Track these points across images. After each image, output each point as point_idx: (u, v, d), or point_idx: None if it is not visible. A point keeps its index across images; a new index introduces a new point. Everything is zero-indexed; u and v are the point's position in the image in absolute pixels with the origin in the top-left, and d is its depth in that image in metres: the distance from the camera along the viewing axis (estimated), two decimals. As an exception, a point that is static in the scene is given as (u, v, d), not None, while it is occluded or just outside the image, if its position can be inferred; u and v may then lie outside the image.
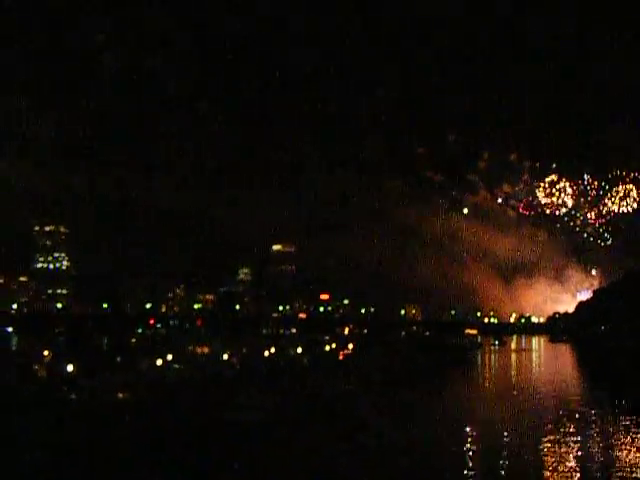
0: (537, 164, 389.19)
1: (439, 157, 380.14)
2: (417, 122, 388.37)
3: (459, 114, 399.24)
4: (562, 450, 62.06)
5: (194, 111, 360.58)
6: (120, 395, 76.46)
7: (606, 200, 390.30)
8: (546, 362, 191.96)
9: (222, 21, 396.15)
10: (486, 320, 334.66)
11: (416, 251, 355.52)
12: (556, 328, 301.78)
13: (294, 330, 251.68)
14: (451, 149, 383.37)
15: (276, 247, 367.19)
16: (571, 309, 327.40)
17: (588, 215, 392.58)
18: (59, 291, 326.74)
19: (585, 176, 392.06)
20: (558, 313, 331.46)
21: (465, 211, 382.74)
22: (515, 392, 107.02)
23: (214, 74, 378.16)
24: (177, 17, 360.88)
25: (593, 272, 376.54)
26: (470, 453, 61.89)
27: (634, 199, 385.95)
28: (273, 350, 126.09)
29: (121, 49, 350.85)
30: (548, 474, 54.32)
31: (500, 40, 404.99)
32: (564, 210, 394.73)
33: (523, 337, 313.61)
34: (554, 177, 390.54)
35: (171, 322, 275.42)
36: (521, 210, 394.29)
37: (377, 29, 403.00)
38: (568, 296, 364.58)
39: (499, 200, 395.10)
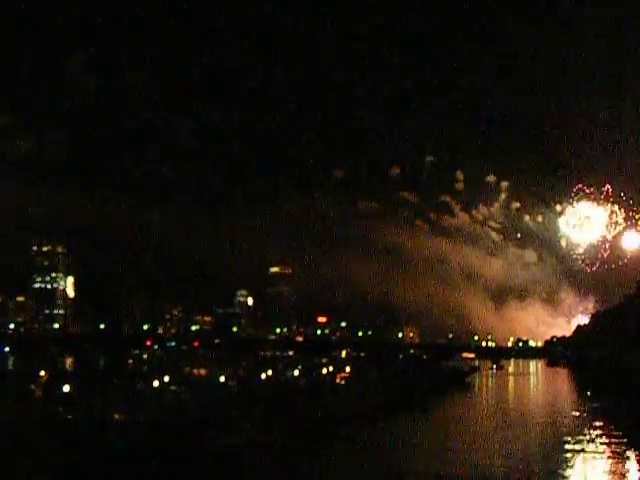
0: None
1: (413, 178, 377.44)
2: (391, 142, 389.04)
3: (435, 134, 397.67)
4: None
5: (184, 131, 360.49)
6: (116, 416, 76.17)
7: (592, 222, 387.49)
8: (544, 387, 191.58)
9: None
10: (483, 344, 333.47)
11: (404, 274, 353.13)
12: (554, 352, 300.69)
13: (291, 353, 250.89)
14: (426, 170, 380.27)
15: (274, 269, 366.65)
16: (565, 333, 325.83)
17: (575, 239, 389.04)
18: (56, 311, 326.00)
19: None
20: (556, 337, 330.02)
21: (446, 233, 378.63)
22: (509, 422, 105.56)
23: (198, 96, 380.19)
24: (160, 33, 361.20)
25: (588, 295, 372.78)
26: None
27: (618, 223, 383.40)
28: (270, 373, 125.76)
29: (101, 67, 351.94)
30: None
31: (478, 58, 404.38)
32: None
33: (520, 361, 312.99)
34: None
35: (168, 344, 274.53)
36: (501, 232, 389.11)
37: (353, 46, 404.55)
38: (562, 320, 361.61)
39: (477, 221, 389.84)
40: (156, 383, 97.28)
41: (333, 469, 64.92)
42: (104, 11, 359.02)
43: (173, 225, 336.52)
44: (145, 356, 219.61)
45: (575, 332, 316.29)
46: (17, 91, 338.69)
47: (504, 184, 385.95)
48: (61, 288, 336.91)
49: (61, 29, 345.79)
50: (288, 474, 62.37)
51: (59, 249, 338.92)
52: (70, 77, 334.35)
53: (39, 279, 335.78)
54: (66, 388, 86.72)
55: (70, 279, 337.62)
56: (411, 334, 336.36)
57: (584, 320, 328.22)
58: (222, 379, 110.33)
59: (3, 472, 55.41)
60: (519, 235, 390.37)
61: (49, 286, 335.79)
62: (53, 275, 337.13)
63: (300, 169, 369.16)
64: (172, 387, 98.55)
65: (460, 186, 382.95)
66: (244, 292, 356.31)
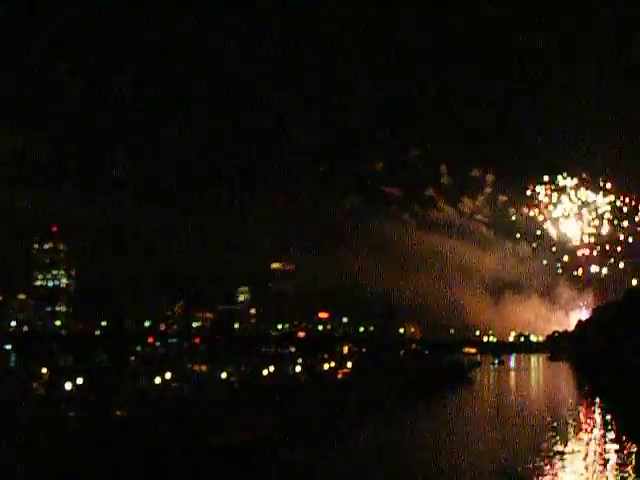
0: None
1: (397, 172, 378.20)
2: (376, 137, 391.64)
3: (420, 129, 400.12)
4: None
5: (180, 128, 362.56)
6: (118, 413, 76.15)
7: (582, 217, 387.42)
8: (545, 382, 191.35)
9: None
10: (484, 339, 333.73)
11: (400, 270, 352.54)
12: (557, 347, 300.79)
13: (293, 349, 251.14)
14: (410, 164, 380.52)
15: (275, 265, 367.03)
16: (565, 327, 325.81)
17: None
18: (58, 309, 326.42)
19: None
20: (558, 332, 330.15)
21: (435, 227, 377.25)
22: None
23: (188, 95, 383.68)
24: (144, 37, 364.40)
25: (586, 289, 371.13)
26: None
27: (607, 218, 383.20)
28: (272, 369, 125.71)
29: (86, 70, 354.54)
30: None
31: (462, 55, 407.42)
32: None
33: (522, 356, 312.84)
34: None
35: (170, 340, 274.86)
36: (491, 226, 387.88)
37: (340, 45, 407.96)
38: (560, 313, 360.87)
39: (465, 215, 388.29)
40: (158, 380, 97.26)
41: (335, 465, 64.90)
42: (95, 15, 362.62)
43: (174, 223, 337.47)
44: (147, 353, 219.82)
45: (577, 326, 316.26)
46: (18, 91, 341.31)
47: (489, 177, 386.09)
48: (62, 286, 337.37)
49: (54, 33, 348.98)
50: (289, 471, 62.36)
51: (60, 247, 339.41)
52: (71, 79, 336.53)
53: (40, 277, 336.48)
54: (68, 386, 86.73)
55: (71, 277, 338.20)
56: (412, 329, 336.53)
57: (584, 314, 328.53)
58: (224, 375, 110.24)
59: (4, 471, 55.43)
60: (509, 229, 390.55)
61: (50, 284, 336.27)
62: (54, 273, 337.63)
63: (284, 166, 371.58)
64: (174, 384, 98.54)
65: (445, 180, 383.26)
66: (245, 288, 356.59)
